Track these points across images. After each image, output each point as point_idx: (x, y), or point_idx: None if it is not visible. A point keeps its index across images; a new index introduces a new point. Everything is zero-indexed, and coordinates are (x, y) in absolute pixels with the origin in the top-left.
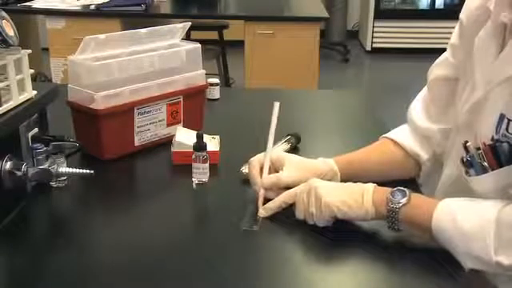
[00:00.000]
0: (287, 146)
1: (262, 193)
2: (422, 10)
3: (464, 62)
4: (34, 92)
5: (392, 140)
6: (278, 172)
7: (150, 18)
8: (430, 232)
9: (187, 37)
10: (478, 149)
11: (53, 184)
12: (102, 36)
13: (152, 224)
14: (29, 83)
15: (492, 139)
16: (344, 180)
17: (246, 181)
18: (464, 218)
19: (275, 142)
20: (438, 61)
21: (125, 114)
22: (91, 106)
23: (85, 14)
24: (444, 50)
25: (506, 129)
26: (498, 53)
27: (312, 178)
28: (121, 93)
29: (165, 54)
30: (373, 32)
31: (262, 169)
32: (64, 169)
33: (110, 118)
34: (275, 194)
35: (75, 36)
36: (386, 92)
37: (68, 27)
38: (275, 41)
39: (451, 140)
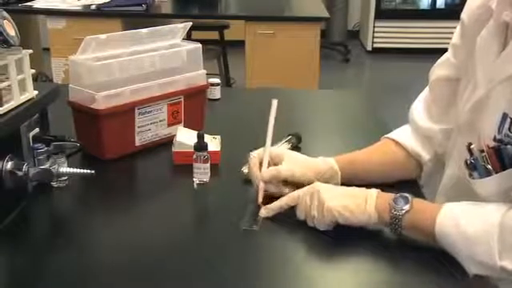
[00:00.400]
0: (288, 146)
1: (261, 186)
2: (423, 9)
3: (466, 62)
4: (35, 92)
5: (393, 140)
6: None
7: (150, 17)
8: (434, 237)
9: (188, 37)
10: (482, 151)
11: (53, 184)
12: (103, 36)
13: (152, 224)
14: (30, 83)
15: (494, 139)
16: (345, 179)
17: (247, 181)
18: (467, 223)
19: (276, 142)
20: (439, 61)
21: (125, 113)
22: (92, 106)
23: (86, 13)
24: (445, 50)
25: (509, 128)
26: (500, 52)
27: (311, 175)
28: (122, 93)
29: (166, 54)
30: (373, 32)
31: (261, 163)
32: (65, 169)
33: (111, 118)
34: (275, 187)
35: (76, 36)
36: (386, 92)
37: (69, 27)
38: (276, 41)
39: (453, 140)
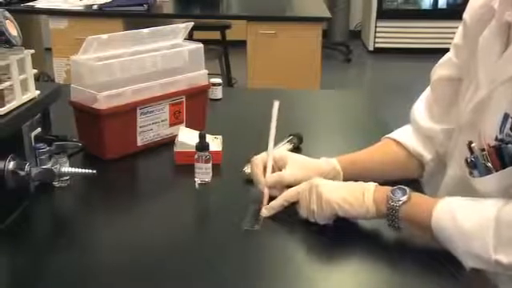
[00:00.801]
0: (289, 146)
1: (266, 192)
2: (425, 9)
3: (468, 62)
4: (37, 92)
5: (395, 140)
6: (280, 171)
7: (152, 17)
8: (430, 230)
9: (190, 37)
10: (483, 150)
11: (55, 184)
12: (105, 36)
13: (154, 224)
14: (32, 83)
15: (496, 139)
16: (347, 180)
17: (249, 181)
18: (464, 217)
19: (277, 142)
20: (441, 61)
21: (127, 113)
22: (94, 106)
23: (87, 14)
24: (447, 50)
25: (511, 128)
26: (502, 52)
27: (314, 176)
28: (123, 93)
29: (167, 54)
30: (375, 32)
31: (265, 168)
32: (67, 169)
33: (113, 118)
34: (279, 192)
35: (78, 36)
36: (388, 92)
37: (71, 27)
38: (277, 41)
39: (454, 140)
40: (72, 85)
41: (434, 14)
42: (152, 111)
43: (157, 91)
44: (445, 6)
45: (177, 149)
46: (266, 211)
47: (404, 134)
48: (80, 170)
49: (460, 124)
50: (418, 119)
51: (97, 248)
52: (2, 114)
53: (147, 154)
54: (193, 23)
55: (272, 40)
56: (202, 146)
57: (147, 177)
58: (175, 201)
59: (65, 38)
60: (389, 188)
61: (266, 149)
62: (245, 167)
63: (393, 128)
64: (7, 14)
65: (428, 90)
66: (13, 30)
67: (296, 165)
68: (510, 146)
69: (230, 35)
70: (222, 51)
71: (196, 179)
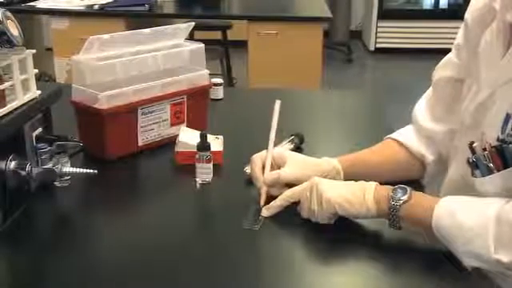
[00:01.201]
0: (291, 146)
1: (264, 190)
2: (426, 10)
3: (469, 62)
4: (39, 92)
5: (396, 141)
6: (279, 169)
7: (153, 17)
8: (431, 229)
9: (191, 37)
10: (484, 150)
11: (56, 184)
12: (106, 36)
13: (155, 224)
14: (33, 83)
15: (498, 139)
16: (347, 180)
17: (250, 181)
18: (464, 216)
19: (278, 142)
20: (442, 61)
21: (128, 113)
22: (95, 106)
23: (89, 13)
24: (448, 50)
25: None
26: (504, 52)
27: (314, 175)
28: (124, 93)
29: (168, 54)
30: (376, 32)
31: (264, 166)
32: (68, 168)
33: (114, 118)
34: (278, 190)
35: (79, 36)
36: (389, 92)
37: (72, 27)
38: (278, 41)
39: (456, 141)
40: (73, 85)
41: (435, 14)
42: (153, 111)
43: (158, 91)
44: (446, 6)
45: (178, 149)
46: (265, 211)
47: (406, 135)
48: (81, 170)
49: (462, 125)
50: (419, 120)
51: (98, 248)
52: (3, 114)
53: (148, 153)
54: (194, 23)
55: (273, 40)
56: (203, 145)
57: (148, 177)
58: (176, 201)
59: (66, 37)
60: (389, 187)
61: (266, 148)
62: (246, 167)
63: (394, 128)
64: (8, 13)
65: (430, 90)
66: (14, 29)
67: (295, 163)
68: (511, 146)
69: (231, 35)
70: (223, 51)
71: (197, 179)
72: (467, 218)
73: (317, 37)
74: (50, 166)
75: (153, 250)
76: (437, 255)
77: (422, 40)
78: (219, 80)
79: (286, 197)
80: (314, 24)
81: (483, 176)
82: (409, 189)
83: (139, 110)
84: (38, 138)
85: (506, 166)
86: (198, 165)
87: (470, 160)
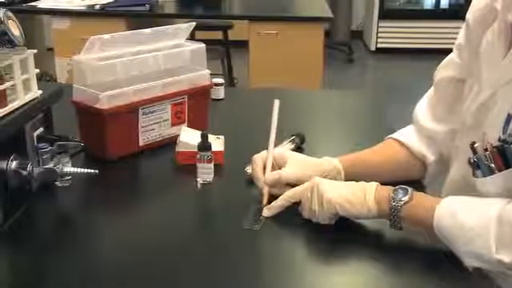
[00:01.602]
0: (291, 146)
1: (266, 190)
2: (427, 10)
3: (471, 63)
4: (40, 92)
5: (397, 141)
6: (280, 169)
7: (154, 17)
8: (432, 229)
9: (192, 37)
10: (486, 150)
11: (57, 183)
12: (107, 36)
13: (156, 224)
14: (34, 83)
15: (499, 139)
16: (348, 180)
17: (251, 181)
18: (465, 216)
19: (279, 142)
20: (444, 61)
21: (129, 113)
22: (96, 106)
23: (90, 13)
24: (449, 50)
25: None
26: (506, 53)
27: (315, 175)
28: (125, 93)
29: (169, 54)
30: (377, 32)
31: (265, 166)
32: (69, 168)
33: (115, 118)
34: (279, 190)
35: (80, 36)
36: (390, 92)
37: (73, 27)
38: (279, 41)
39: (457, 141)
40: (74, 85)
41: (436, 14)
42: (154, 111)
43: (159, 91)
44: (447, 6)
45: (179, 149)
46: (266, 211)
47: (407, 135)
48: (82, 170)
49: (463, 125)
50: (420, 120)
51: (98, 248)
52: (4, 113)
53: (149, 153)
54: (195, 23)
55: (274, 40)
56: (204, 145)
57: (149, 177)
58: (177, 201)
59: (67, 37)
60: (390, 188)
61: (267, 148)
62: (246, 167)
63: (395, 128)
64: (10, 13)
65: (431, 90)
66: (15, 29)
67: (296, 163)
68: None
69: (232, 35)
70: (224, 51)
71: (198, 179)
72: (468, 218)
73: (318, 37)
74: (50, 165)
75: (153, 249)
76: (437, 255)
77: (423, 40)
78: (220, 80)
79: (286, 197)
80: (315, 24)
81: (484, 176)
82: (410, 189)
83: (140, 110)
84: (39, 138)
85: (507, 167)
86: (198, 165)
87: (472, 160)
